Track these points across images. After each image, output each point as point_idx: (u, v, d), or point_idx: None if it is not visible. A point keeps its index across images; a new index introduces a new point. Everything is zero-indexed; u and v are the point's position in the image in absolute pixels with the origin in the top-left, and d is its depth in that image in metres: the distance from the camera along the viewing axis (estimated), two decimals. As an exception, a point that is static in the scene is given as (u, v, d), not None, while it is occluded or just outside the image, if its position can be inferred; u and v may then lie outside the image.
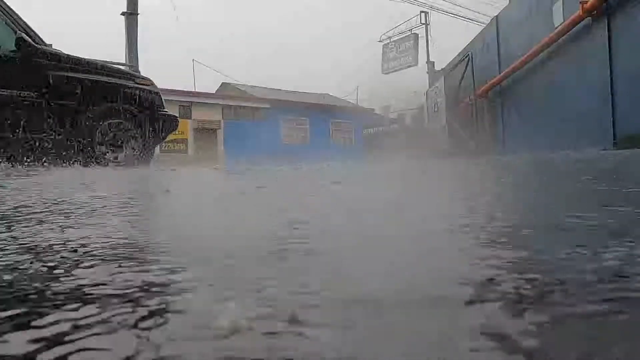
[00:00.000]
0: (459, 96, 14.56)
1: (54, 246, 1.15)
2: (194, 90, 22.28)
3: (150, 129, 5.87)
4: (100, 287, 0.78)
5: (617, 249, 0.97)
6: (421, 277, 0.82)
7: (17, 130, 4.98)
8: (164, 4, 51.98)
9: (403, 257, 0.97)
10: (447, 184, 3.06)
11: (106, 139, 5.55)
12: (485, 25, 14.68)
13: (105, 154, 5.53)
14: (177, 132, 9.73)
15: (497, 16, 13.09)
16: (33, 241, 1.21)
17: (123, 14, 11.85)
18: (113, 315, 0.64)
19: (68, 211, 1.76)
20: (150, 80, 6.10)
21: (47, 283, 0.81)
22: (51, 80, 5.18)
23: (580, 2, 8.58)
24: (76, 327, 0.60)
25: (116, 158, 5.60)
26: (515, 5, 11.96)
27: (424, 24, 24.90)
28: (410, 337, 0.57)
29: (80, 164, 5.22)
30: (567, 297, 0.71)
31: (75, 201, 2.06)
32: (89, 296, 0.73)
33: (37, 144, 5.08)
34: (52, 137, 5.18)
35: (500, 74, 12.43)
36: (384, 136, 22.85)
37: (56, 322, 0.62)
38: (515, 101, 12.08)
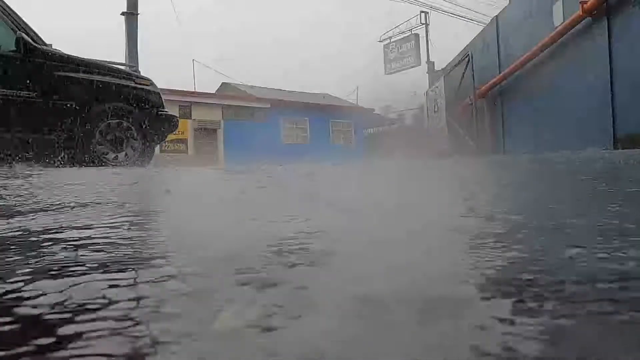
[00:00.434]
0: (459, 96, 14.55)
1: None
2: (194, 90, 22.28)
3: (150, 129, 5.88)
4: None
5: (617, 249, 0.97)
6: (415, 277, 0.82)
7: (17, 130, 4.98)
8: (164, 4, 51.89)
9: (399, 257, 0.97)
10: (445, 183, 3.05)
11: (106, 139, 5.56)
12: (485, 25, 14.68)
13: (105, 154, 5.53)
14: (177, 132, 9.73)
15: (497, 16, 13.09)
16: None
17: (123, 14, 11.86)
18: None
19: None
20: (150, 80, 6.10)
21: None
22: (51, 81, 5.18)
23: (580, 2, 8.58)
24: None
25: (116, 158, 5.60)
26: (515, 5, 11.96)
27: (423, 24, 24.91)
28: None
29: (80, 164, 5.22)
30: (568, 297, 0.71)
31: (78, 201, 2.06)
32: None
33: (37, 144, 5.08)
34: (52, 137, 5.18)
35: (500, 74, 12.43)
36: (384, 136, 22.85)
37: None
38: (515, 101, 12.08)
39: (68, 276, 0.86)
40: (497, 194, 2.39)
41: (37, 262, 1.01)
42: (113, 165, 5.42)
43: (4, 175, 3.48)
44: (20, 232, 1.39)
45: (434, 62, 22.00)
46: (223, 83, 25.55)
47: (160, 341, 0.56)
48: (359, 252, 1.04)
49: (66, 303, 0.71)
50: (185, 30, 69.01)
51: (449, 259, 0.97)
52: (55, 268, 0.93)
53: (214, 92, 24.16)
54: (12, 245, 1.22)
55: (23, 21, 5.21)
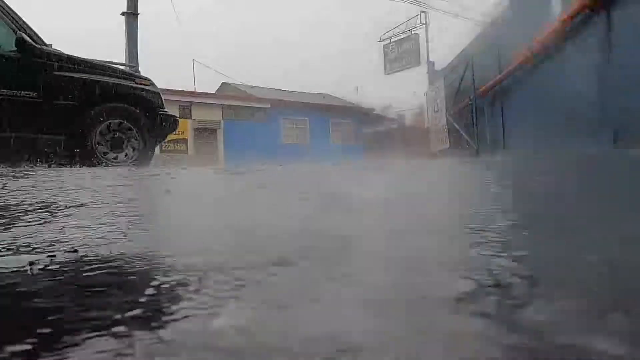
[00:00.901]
0: (459, 96, 14.56)
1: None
2: (194, 90, 22.28)
3: (150, 129, 5.87)
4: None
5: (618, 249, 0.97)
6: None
7: (17, 131, 4.98)
8: (164, 4, 51.91)
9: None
10: (443, 183, 3.05)
11: (106, 139, 5.55)
12: (485, 25, 14.68)
13: (105, 154, 5.53)
14: (177, 132, 9.73)
15: (497, 16, 13.09)
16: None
17: (123, 14, 11.86)
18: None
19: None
20: (150, 80, 6.09)
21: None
22: (51, 81, 5.18)
23: None
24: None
25: (116, 158, 5.59)
26: (515, 5, 11.96)
27: (423, 24, 24.90)
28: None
29: (80, 164, 5.22)
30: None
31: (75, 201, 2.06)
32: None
33: (37, 144, 5.08)
34: (52, 137, 5.18)
35: (500, 73, 12.43)
36: (384, 136, 22.83)
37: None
38: (515, 101, 12.07)
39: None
40: (496, 194, 2.39)
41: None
42: (113, 166, 5.42)
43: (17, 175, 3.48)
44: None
45: (434, 62, 21.97)
46: (223, 83, 25.55)
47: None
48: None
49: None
50: (185, 30, 68.90)
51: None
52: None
53: (214, 92, 24.16)
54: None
55: (23, 21, 5.20)
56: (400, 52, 26.41)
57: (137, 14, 11.87)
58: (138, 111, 5.75)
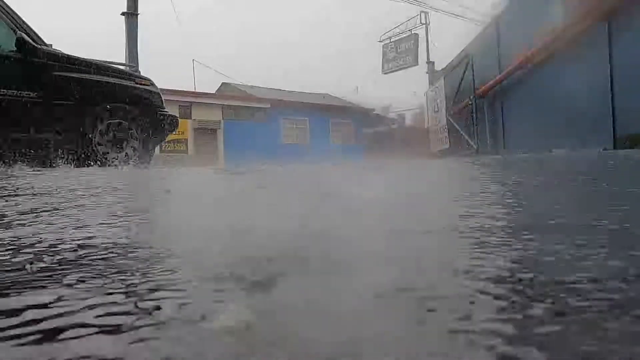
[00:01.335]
0: (459, 96, 14.55)
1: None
2: (194, 90, 22.28)
3: (150, 129, 5.87)
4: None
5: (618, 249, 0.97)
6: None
7: (17, 131, 4.98)
8: (164, 4, 51.91)
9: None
10: (443, 183, 3.06)
11: (106, 139, 5.56)
12: (485, 25, 14.67)
13: (105, 154, 5.53)
14: (177, 132, 9.73)
15: (497, 16, 13.08)
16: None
17: (123, 14, 11.86)
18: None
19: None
20: (150, 80, 6.10)
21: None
22: (51, 81, 5.18)
23: (580, 1, 8.56)
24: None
25: (116, 158, 5.59)
26: (515, 5, 11.95)
27: (423, 24, 24.90)
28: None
29: (80, 164, 5.22)
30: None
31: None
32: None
33: (37, 144, 5.08)
34: (52, 137, 5.18)
35: (500, 74, 12.42)
36: (384, 136, 22.83)
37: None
38: (515, 101, 12.08)
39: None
40: (495, 194, 2.39)
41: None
42: (113, 166, 5.42)
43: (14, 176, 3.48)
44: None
45: (434, 62, 21.99)
46: (223, 83, 25.57)
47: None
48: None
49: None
50: (185, 30, 68.97)
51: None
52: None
53: (214, 92, 24.17)
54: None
55: (23, 21, 5.21)
56: (399, 51, 26.41)
57: (137, 14, 11.87)
58: (138, 111, 5.75)
